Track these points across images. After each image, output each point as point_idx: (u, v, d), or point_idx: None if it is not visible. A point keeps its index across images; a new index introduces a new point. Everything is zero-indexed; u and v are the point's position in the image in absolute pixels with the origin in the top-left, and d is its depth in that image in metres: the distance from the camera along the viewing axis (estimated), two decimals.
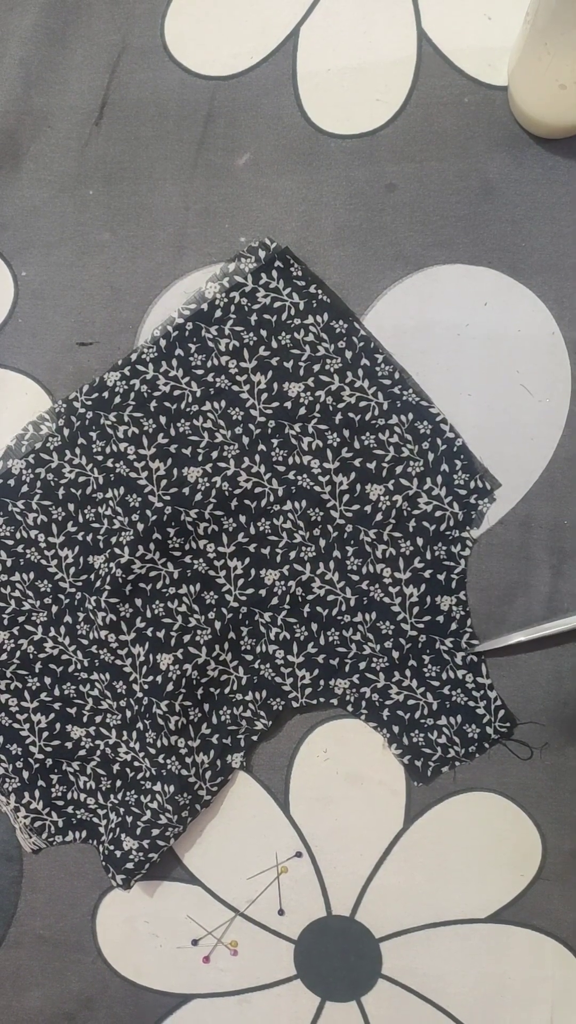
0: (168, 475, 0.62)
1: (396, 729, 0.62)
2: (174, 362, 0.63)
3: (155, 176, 0.65)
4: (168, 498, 0.62)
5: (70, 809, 0.64)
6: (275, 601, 0.62)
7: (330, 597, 0.62)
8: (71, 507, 0.63)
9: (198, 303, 0.63)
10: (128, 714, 0.62)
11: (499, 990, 0.62)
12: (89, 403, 0.64)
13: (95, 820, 0.64)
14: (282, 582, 0.62)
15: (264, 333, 0.63)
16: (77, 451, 0.64)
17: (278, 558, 0.62)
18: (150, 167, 0.65)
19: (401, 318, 0.63)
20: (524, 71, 0.59)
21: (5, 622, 0.64)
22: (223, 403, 0.63)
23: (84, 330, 0.66)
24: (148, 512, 0.62)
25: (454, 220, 0.63)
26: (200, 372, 0.63)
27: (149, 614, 0.62)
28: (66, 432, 0.64)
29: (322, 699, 0.62)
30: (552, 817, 0.62)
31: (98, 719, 0.64)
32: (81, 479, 0.63)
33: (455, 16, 0.63)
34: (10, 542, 0.64)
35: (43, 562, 0.64)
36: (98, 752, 0.64)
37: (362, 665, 0.62)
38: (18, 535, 0.64)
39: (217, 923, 0.65)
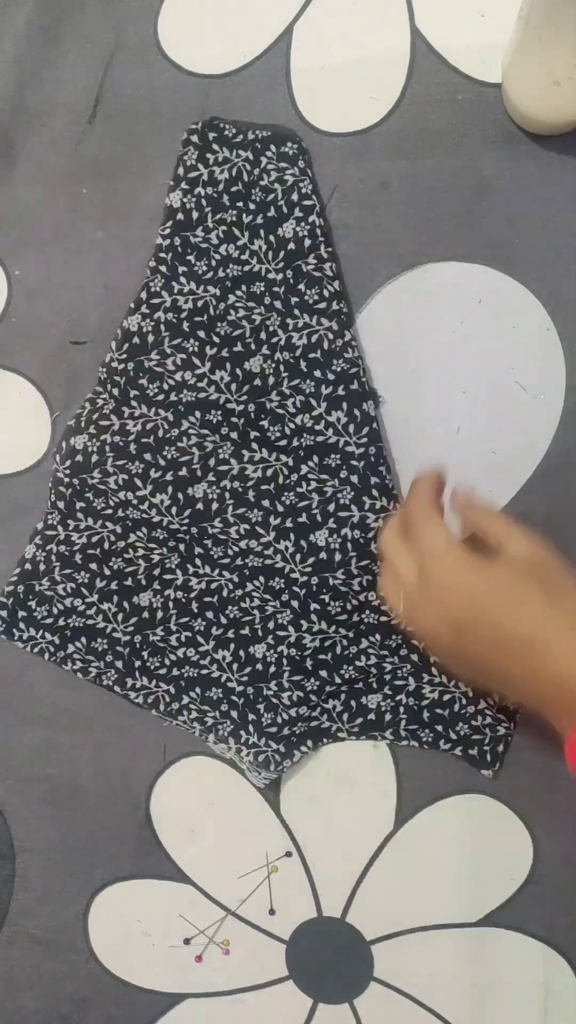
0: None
1: (440, 728, 0.61)
2: (182, 279, 0.63)
3: (149, 174, 0.65)
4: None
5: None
6: (338, 557, 0.61)
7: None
8: (147, 456, 0.63)
9: (172, 217, 0.63)
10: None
11: (491, 994, 0.62)
12: (124, 356, 0.63)
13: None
14: (334, 537, 0.61)
15: (240, 203, 0.62)
16: (133, 403, 0.63)
17: (318, 517, 0.62)
18: (144, 165, 0.65)
19: (396, 316, 0.63)
20: (518, 68, 0.58)
21: (143, 583, 0.64)
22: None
23: (77, 329, 0.66)
24: (234, 419, 0.62)
25: (448, 217, 0.62)
26: (210, 275, 0.63)
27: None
28: (115, 392, 0.63)
29: (360, 719, 0.62)
30: (544, 820, 0.61)
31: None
32: (149, 426, 0.63)
33: (448, 13, 0.63)
34: (108, 511, 0.64)
35: (145, 516, 0.63)
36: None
37: (388, 677, 0.62)
38: (112, 501, 0.64)
39: (209, 922, 0.64)
